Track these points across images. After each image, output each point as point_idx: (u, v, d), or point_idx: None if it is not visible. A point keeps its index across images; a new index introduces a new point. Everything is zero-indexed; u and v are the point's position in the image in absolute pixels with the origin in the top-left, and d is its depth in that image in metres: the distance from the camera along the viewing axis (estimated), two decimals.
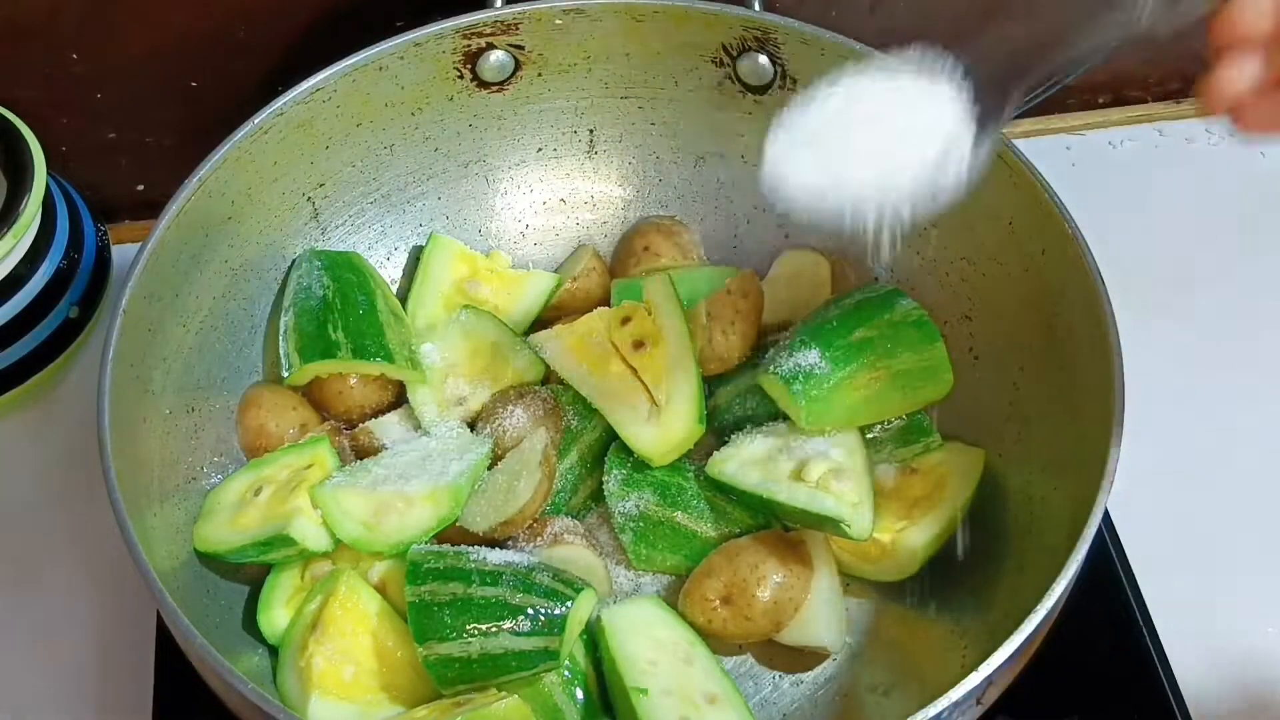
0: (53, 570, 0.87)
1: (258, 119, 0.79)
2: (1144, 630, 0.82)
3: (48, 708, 0.82)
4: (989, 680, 0.62)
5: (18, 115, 0.90)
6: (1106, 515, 0.86)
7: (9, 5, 0.89)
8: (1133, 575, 0.84)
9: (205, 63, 0.95)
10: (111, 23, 0.91)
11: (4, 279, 0.88)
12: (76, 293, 0.93)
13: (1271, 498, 0.90)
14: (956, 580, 0.78)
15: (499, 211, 0.93)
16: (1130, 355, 0.70)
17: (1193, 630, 0.83)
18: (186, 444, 0.79)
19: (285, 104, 0.80)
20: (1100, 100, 1.12)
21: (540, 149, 0.92)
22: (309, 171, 0.85)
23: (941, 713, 0.60)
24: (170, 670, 0.78)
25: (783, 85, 0.86)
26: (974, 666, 0.62)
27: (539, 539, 0.78)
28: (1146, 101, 1.11)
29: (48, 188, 0.89)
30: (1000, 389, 0.82)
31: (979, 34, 1.03)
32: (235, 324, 0.83)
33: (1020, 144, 0.78)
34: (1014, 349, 0.81)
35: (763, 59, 0.85)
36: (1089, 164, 1.04)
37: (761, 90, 0.87)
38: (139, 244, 0.75)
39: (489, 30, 0.84)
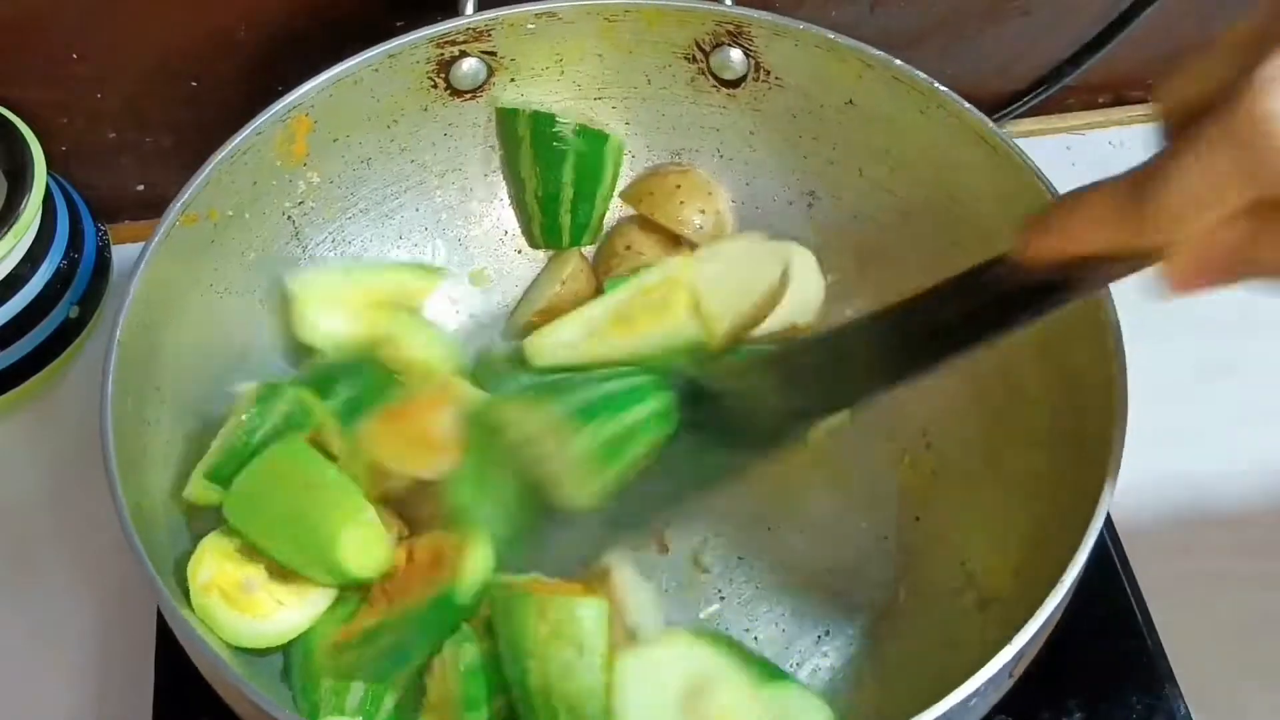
0: (52, 570, 0.87)
1: (235, 140, 0.78)
2: (1144, 630, 0.82)
3: (47, 708, 0.82)
4: (1020, 654, 0.62)
5: (18, 115, 0.90)
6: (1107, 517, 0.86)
7: (9, 5, 0.89)
8: (1133, 575, 0.84)
9: (205, 63, 0.95)
10: (112, 23, 0.91)
11: (4, 279, 0.88)
12: (76, 293, 0.93)
13: (1273, 497, 0.90)
14: (972, 551, 0.79)
15: (478, 219, 0.93)
16: (1130, 355, 0.70)
17: (1193, 631, 0.83)
18: (186, 464, 0.78)
19: (262, 123, 0.79)
20: (1100, 100, 1.12)
21: None
22: (288, 190, 0.84)
23: (979, 688, 0.60)
24: (170, 670, 0.78)
25: (756, 78, 0.86)
26: (994, 637, 0.62)
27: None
28: (1147, 101, 1.11)
29: (48, 188, 0.89)
30: (993, 367, 0.82)
31: (978, 34, 1.03)
32: (224, 346, 0.82)
33: (1020, 144, 0.78)
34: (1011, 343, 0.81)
35: (735, 53, 0.85)
36: (1089, 164, 1.04)
37: (735, 84, 0.87)
38: (138, 244, 0.75)
39: (462, 38, 0.84)
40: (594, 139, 0.89)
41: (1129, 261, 0.53)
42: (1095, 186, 0.53)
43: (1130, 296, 0.74)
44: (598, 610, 0.69)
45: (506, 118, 0.90)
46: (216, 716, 0.68)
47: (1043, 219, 0.54)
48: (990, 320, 0.59)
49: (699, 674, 0.70)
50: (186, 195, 0.76)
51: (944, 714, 0.59)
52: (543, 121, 0.89)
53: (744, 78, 0.87)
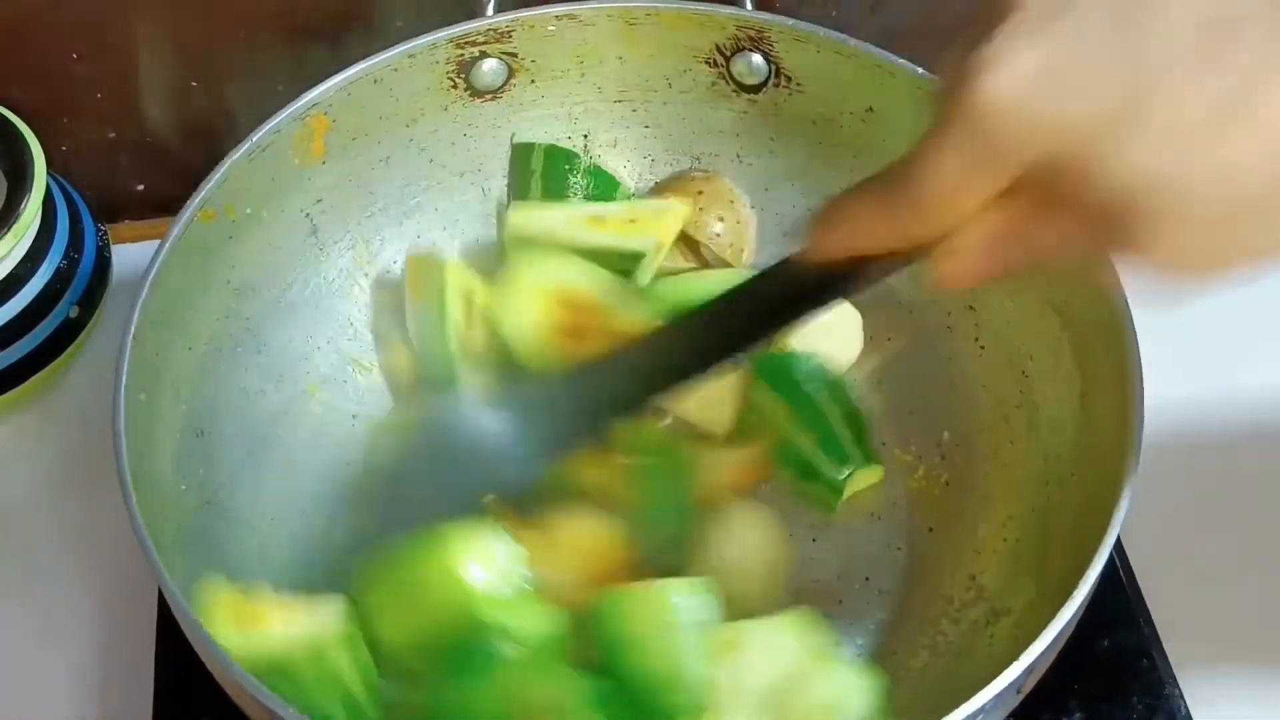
0: (52, 570, 0.87)
1: (255, 136, 0.78)
2: (1144, 630, 0.82)
3: (48, 708, 0.82)
4: (1029, 670, 0.61)
5: (18, 115, 0.90)
6: None
7: (9, 5, 0.89)
8: (1133, 575, 0.84)
9: (205, 62, 0.95)
10: (112, 22, 0.91)
11: (4, 279, 0.88)
12: (76, 293, 0.93)
13: (1274, 495, 0.90)
14: (984, 564, 0.79)
15: (497, 220, 0.93)
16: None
17: (1193, 631, 0.83)
18: (199, 469, 0.78)
19: (282, 120, 0.79)
20: None
21: None
22: (306, 188, 0.84)
23: (985, 704, 0.60)
24: (171, 670, 0.79)
25: (777, 83, 0.86)
26: (1003, 651, 0.62)
27: None
28: None
29: (48, 188, 0.89)
30: (1009, 378, 0.82)
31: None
32: (238, 344, 0.82)
33: None
34: (1029, 358, 0.82)
35: (756, 58, 0.85)
36: None
37: (756, 89, 0.87)
38: (138, 244, 0.75)
39: (482, 39, 0.84)
40: (605, 183, 0.89)
41: (907, 255, 0.52)
42: (863, 183, 0.52)
43: (1130, 301, 0.74)
44: (700, 599, 0.69)
45: (521, 151, 0.89)
46: (217, 717, 0.68)
47: (821, 219, 0.54)
48: (785, 315, 0.62)
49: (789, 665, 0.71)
50: (204, 191, 0.76)
51: None
52: (557, 157, 0.89)
53: (764, 83, 0.86)
